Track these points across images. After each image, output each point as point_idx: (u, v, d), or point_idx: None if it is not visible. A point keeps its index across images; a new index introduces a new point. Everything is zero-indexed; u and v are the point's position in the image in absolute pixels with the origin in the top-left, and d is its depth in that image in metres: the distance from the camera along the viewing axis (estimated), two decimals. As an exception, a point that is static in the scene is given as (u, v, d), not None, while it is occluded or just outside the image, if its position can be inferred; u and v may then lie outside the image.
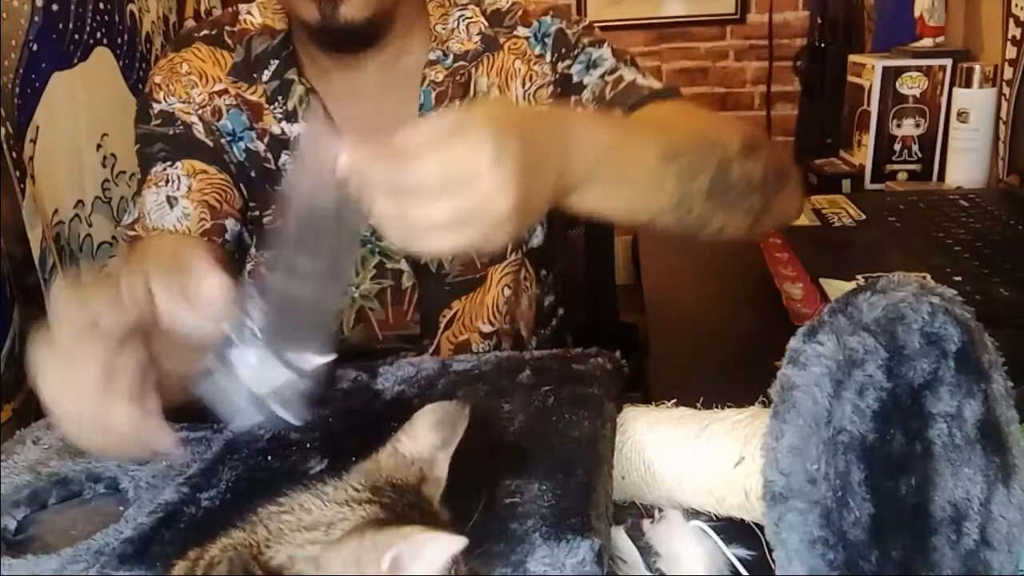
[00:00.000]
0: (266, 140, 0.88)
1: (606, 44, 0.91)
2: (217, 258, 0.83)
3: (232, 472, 0.55)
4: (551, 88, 0.91)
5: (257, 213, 0.90)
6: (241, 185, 0.89)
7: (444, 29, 0.90)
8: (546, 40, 0.91)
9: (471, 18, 0.91)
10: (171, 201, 0.86)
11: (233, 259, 0.89)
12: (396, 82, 0.88)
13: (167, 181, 0.86)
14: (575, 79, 0.90)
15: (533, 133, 0.54)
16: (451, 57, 0.89)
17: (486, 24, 0.91)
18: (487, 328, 0.92)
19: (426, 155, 0.48)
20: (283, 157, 0.88)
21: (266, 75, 0.87)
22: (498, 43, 0.91)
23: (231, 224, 0.88)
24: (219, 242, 0.86)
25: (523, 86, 0.91)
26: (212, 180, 0.87)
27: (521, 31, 0.92)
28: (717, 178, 0.67)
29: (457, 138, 0.49)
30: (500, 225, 0.49)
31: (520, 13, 0.93)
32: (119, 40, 1.25)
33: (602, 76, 0.88)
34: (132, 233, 0.87)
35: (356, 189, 0.48)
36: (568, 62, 0.90)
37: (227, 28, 0.90)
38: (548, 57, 0.91)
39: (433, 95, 0.88)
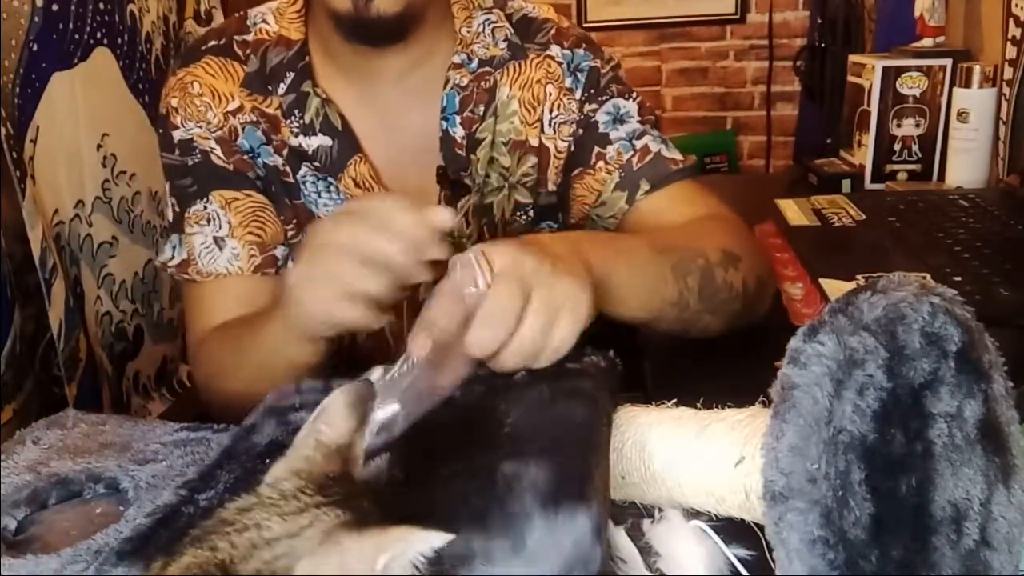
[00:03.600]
0: (284, 153, 0.87)
1: (633, 96, 0.91)
2: (274, 289, 0.85)
3: (230, 475, 0.55)
4: (574, 127, 0.90)
5: None
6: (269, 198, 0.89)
7: (468, 32, 0.89)
8: (579, 75, 0.90)
9: (496, 22, 0.90)
10: (219, 243, 0.86)
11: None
12: (418, 86, 0.87)
13: (208, 220, 0.87)
14: (601, 128, 0.89)
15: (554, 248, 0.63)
16: (476, 61, 0.88)
17: (512, 31, 0.90)
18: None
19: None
20: (302, 169, 0.87)
21: (282, 88, 0.86)
22: (525, 53, 0.90)
23: (280, 251, 0.89)
24: (273, 272, 0.87)
25: (550, 112, 0.90)
26: (246, 207, 0.87)
27: (555, 51, 0.90)
28: (704, 280, 0.75)
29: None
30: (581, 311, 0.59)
31: (554, 31, 0.91)
32: (119, 40, 1.25)
33: (630, 139, 0.89)
34: (187, 276, 0.88)
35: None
36: (594, 106, 0.90)
37: (236, 37, 0.88)
38: (578, 94, 0.90)
39: (457, 99, 0.87)
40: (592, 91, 0.90)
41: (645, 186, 0.87)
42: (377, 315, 0.62)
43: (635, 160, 0.88)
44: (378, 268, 0.59)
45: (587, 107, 0.90)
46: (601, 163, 0.89)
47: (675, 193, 0.88)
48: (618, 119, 0.89)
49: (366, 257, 0.59)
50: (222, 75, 0.87)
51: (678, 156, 0.89)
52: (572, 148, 0.90)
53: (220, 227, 0.86)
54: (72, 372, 1.07)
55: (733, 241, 0.80)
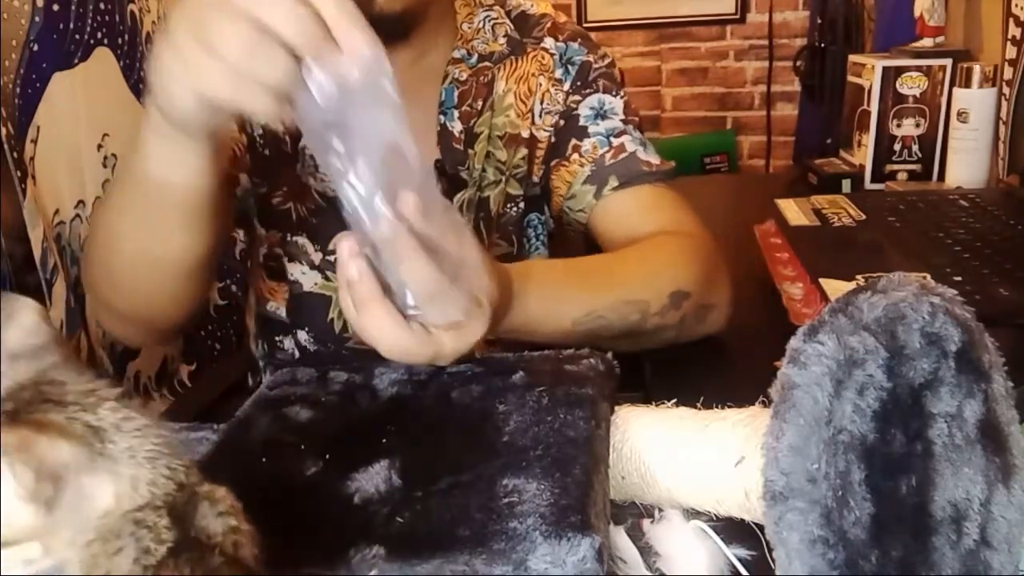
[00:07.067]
0: (287, 123, 0.87)
1: (620, 94, 0.91)
2: (228, 213, 0.83)
3: (226, 475, 0.55)
4: (556, 118, 0.90)
5: (265, 191, 0.89)
6: (254, 160, 0.88)
7: (470, 28, 0.90)
8: (569, 67, 0.91)
9: (496, 19, 0.91)
10: None
11: (234, 213, 0.88)
12: (419, 80, 0.88)
13: None
14: (581, 122, 0.89)
15: None
16: (476, 56, 0.89)
17: (512, 27, 0.91)
18: (492, 337, 0.92)
19: None
20: (301, 142, 0.87)
21: None
22: (524, 49, 0.90)
23: (244, 180, 0.87)
24: (230, 193, 0.85)
25: (540, 103, 0.90)
26: (232, 133, 0.85)
27: (549, 43, 0.91)
28: (629, 330, 0.74)
29: None
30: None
31: (550, 25, 0.92)
32: (120, 40, 1.25)
33: (608, 135, 0.88)
34: None
35: None
36: (578, 98, 0.90)
37: None
38: (566, 86, 0.90)
39: (456, 93, 0.88)
40: (579, 84, 0.90)
41: (614, 182, 0.87)
42: (270, 103, 0.50)
43: (608, 156, 0.88)
44: (275, 46, 0.48)
45: (571, 99, 0.90)
46: (576, 155, 0.89)
47: (644, 196, 0.87)
48: (600, 114, 0.90)
49: (261, 29, 0.47)
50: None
51: (654, 160, 0.89)
52: (552, 139, 0.91)
53: None
54: (72, 372, 1.07)
55: (688, 271, 0.78)
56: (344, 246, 0.51)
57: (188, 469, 0.36)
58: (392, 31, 0.82)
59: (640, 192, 0.87)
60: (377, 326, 0.54)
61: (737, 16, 3.00)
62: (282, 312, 0.95)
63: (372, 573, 0.43)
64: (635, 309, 0.74)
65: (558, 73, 0.90)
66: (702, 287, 0.78)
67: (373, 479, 0.51)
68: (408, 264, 0.51)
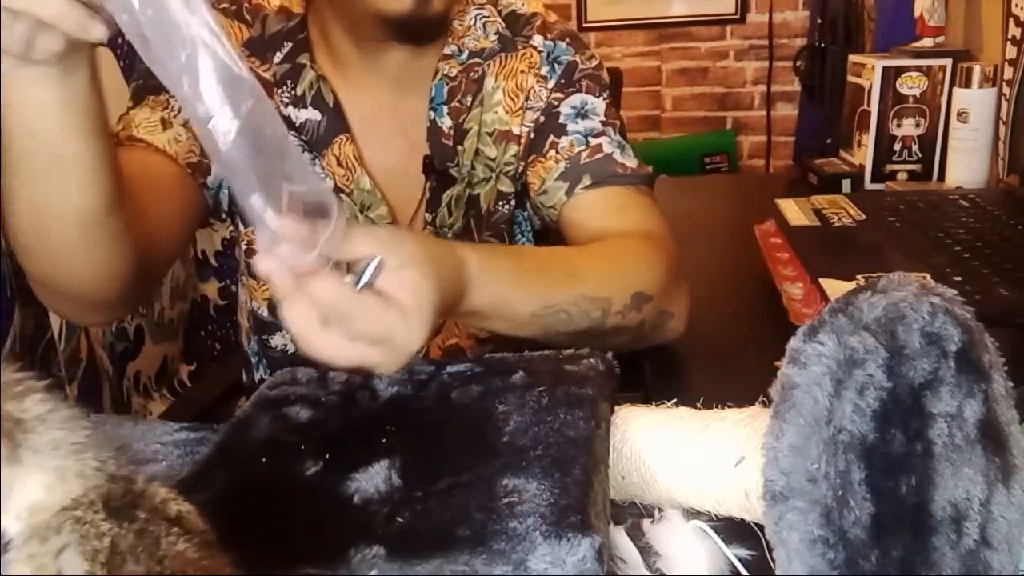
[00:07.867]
0: None
1: (604, 96, 0.91)
2: (194, 200, 0.83)
3: (226, 475, 0.55)
4: (537, 115, 0.90)
5: None
6: None
7: (461, 25, 0.90)
8: (556, 66, 0.91)
9: (488, 17, 0.91)
10: (164, 123, 0.82)
11: (207, 205, 0.87)
12: (412, 76, 0.89)
13: (165, 107, 0.82)
14: (560, 119, 0.89)
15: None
16: (466, 53, 0.90)
17: (503, 25, 0.91)
18: (483, 334, 0.92)
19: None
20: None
21: (277, 57, 0.87)
22: (515, 46, 0.91)
23: (213, 178, 0.85)
24: (201, 182, 0.84)
25: (527, 100, 0.91)
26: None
27: (537, 40, 0.91)
28: (587, 329, 0.72)
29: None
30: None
31: (539, 23, 0.93)
32: (119, 40, 1.25)
33: (586, 135, 0.88)
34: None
35: None
36: (561, 96, 0.90)
37: (246, 4, 0.90)
38: (550, 84, 0.90)
39: (445, 90, 0.89)
40: (563, 82, 0.91)
41: (587, 181, 0.86)
42: (71, 10, 0.48)
43: (584, 155, 0.87)
44: None
45: (554, 96, 0.90)
46: (552, 152, 0.88)
47: (615, 197, 0.86)
48: (581, 114, 0.90)
49: None
50: (227, 31, 0.88)
51: (630, 163, 0.88)
52: (532, 135, 0.91)
53: (176, 115, 0.82)
54: (73, 372, 1.07)
55: (651, 274, 0.77)
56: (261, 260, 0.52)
57: (119, 461, 0.36)
58: (436, 30, 0.83)
59: (611, 193, 0.86)
60: (296, 322, 0.53)
61: (737, 16, 3.01)
62: (264, 311, 0.96)
63: (372, 573, 0.43)
64: (596, 306, 0.73)
65: (544, 71, 0.91)
66: (663, 292, 0.78)
67: (373, 479, 0.51)
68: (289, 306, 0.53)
